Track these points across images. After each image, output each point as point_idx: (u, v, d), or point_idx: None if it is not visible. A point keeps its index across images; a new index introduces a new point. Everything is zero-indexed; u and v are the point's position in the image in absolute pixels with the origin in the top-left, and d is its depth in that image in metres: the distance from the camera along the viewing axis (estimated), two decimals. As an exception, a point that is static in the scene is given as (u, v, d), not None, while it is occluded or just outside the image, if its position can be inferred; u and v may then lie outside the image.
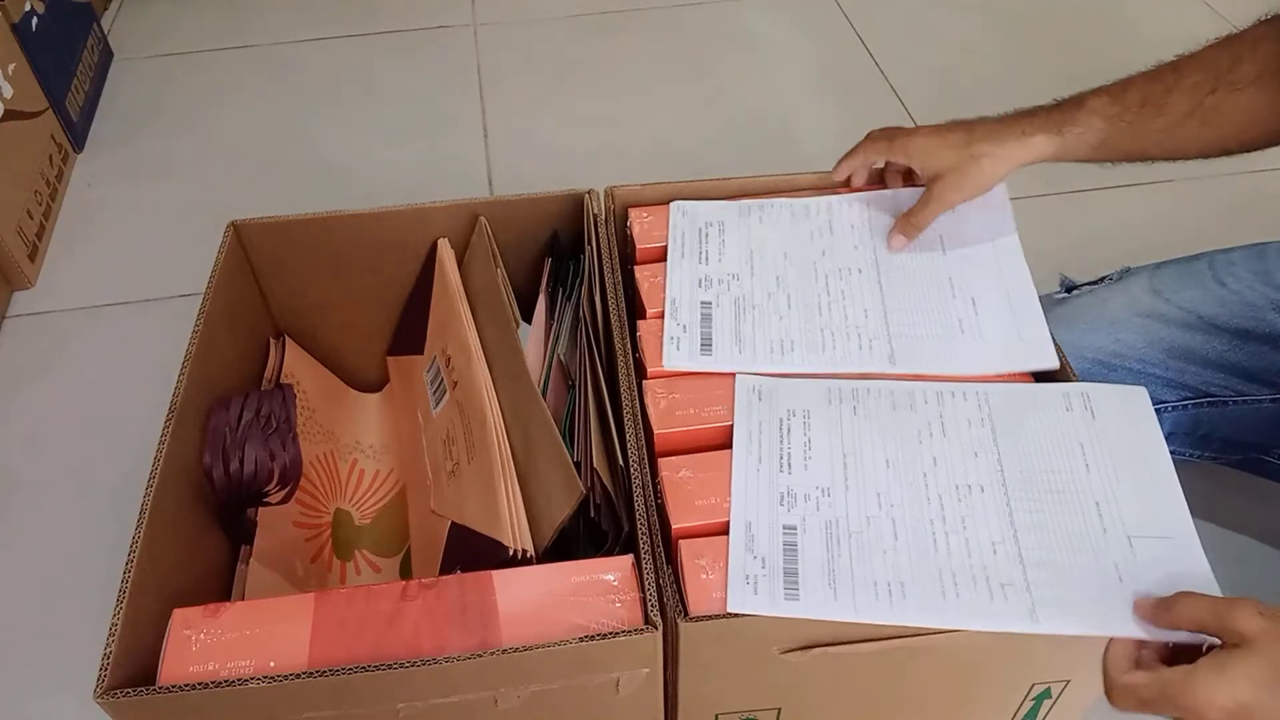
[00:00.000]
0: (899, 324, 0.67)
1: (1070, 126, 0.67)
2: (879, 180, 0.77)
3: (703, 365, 0.65)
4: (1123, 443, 0.60)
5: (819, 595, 0.53)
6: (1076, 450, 0.60)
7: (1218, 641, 0.48)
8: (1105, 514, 0.56)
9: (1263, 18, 0.67)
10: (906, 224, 0.70)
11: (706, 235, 0.72)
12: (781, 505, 0.58)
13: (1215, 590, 0.52)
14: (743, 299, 0.68)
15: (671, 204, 0.74)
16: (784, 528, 0.56)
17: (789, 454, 0.60)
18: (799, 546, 0.56)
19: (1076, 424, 0.61)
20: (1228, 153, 0.67)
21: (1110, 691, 0.50)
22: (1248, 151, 0.67)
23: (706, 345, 0.66)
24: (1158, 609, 0.50)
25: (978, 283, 0.69)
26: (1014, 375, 0.64)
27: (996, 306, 0.67)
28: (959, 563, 0.55)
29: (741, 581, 0.54)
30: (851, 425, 0.61)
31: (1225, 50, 0.66)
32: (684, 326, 0.67)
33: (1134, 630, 0.51)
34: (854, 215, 0.73)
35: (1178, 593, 0.50)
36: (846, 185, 0.76)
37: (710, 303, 0.68)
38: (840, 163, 0.74)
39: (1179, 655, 0.50)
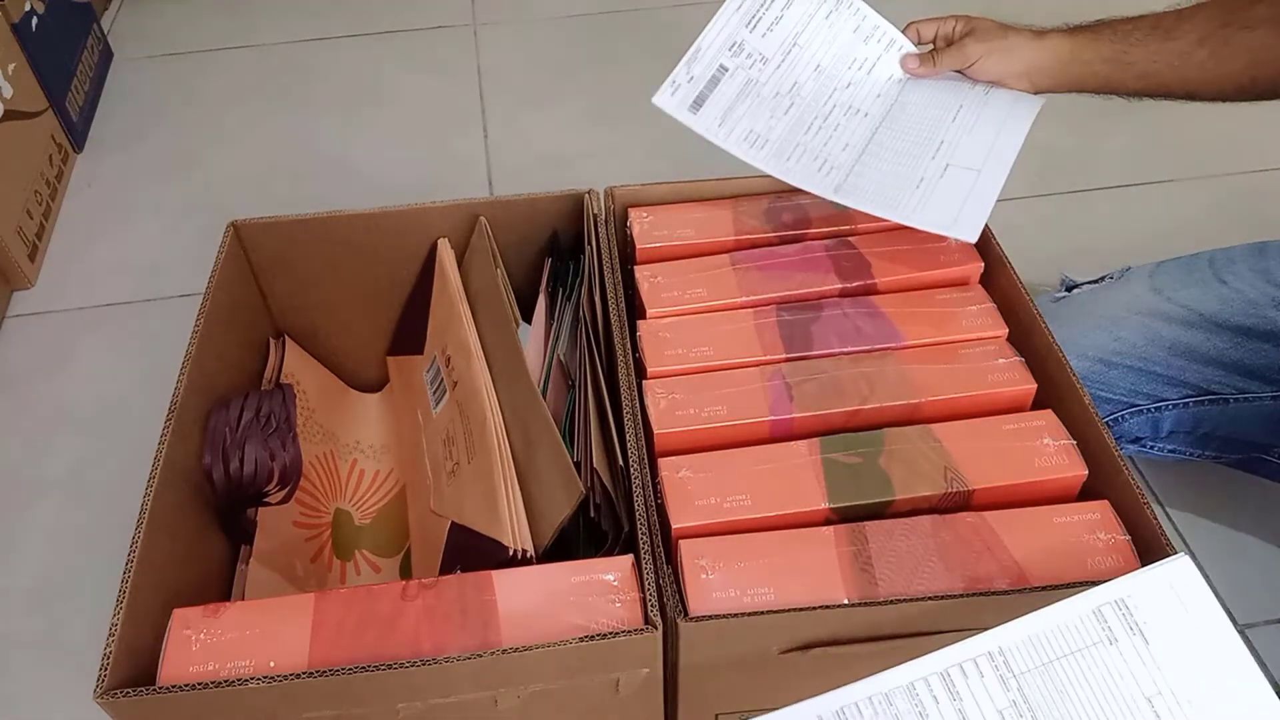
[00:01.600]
0: (866, 165, 0.70)
1: (1081, 32, 0.71)
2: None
3: (685, 119, 0.71)
4: (1191, 667, 0.45)
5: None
6: (1144, 708, 0.45)
7: None
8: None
9: None
10: (927, 56, 0.75)
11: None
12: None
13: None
14: (754, 84, 0.72)
15: None
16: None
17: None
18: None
19: (1131, 665, 0.46)
20: (1242, 93, 0.69)
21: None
22: (1263, 98, 0.69)
23: (698, 105, 0.71)
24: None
25: (962, 153, 0.70)
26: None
27: (961, 178, 0.68)
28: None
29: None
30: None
31: None
32: (692, 78, 0.72)
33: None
34: (897, 68, 0.76)
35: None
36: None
37: (727, 70, 0.72)
38: (913, 21, 0.76)
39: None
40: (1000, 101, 0.73)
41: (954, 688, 0.45)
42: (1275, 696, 0.45)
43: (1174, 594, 0.47)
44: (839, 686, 0.59)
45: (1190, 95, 0.70)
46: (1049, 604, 0.47)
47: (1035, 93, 0.73)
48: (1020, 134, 0.71)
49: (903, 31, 0.77)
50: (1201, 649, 0.46)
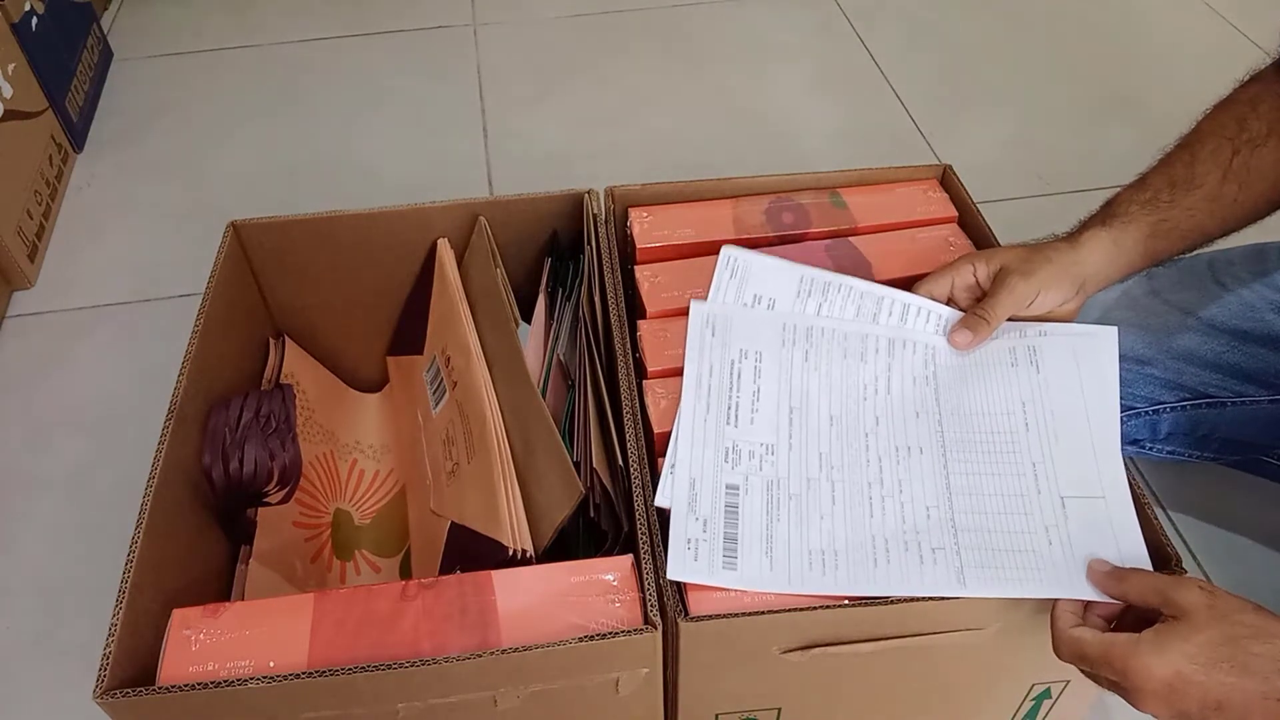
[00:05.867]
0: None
1: (1112, 219, 0.64)
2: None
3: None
4: (1066, 399, 0.60)
5: (756, 566, 0.54)
6: (1018, 410, 0.60)
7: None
8: (1040, 475, 0.57)
9: (1243, 79, 0.67)
10: (975, 318, 0.63)
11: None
12: (726, 462, 0.58)
13: (1143, 552, 0.54)
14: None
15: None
16: (727, 487, 0.57)
17: (737, 404, 0.60)
18: (740, 509, 0.56)
19: (1020, 380, 0.61)
20: (1273, 207, 0.65)
21: (1056, 642, 0.51)
22: None
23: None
24: (1110, 577, 0.52)
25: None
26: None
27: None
28: (893, 529, 0.56)
29: (683, 547, 0.55)
30: (801, 374, 0.62)
31: (1226, 114, 0.66)
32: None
33: (1078, 592, 0.52)
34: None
35: (1132, 567, 0.52)
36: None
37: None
38: (921, 284, 0.67)
39: (1124, 615, 0.52)
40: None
41: (892, 352, 0.63)
42: (1119, 455, 0.57)
43: (1076, 355, 0.61)
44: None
45: (1228, 232, 0.65)
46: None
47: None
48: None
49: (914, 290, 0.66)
50: (1079, 394, 0.60)
